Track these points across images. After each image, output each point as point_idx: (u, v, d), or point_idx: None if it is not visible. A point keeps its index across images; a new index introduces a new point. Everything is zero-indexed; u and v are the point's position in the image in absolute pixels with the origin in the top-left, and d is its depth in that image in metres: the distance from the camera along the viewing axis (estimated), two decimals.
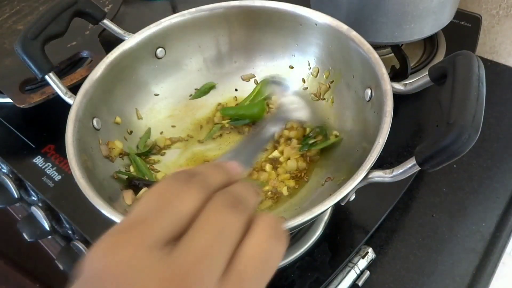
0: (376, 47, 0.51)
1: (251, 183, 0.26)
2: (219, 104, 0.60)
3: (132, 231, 0.20)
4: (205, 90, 0.60)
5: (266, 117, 0.56)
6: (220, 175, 0.25)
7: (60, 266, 0.57)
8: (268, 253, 0.22)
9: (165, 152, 0.55)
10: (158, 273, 0.19)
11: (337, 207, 0.50)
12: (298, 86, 0.59)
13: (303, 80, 0.59)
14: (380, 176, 0.39)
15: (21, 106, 0.60)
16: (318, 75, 0.58)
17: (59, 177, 0.59)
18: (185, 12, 0.56)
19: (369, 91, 0.48)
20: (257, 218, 0.23)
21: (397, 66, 0.64)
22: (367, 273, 0.49)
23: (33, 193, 0.62)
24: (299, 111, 0.53)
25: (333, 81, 0.56)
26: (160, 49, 0.57)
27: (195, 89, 0.60)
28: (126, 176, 0.50)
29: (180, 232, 0.21)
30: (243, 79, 0.61)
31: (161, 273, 0.19)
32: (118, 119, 0.53)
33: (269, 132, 0.45)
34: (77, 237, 0.58)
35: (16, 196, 0.65)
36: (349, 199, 0.41)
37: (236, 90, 0.61)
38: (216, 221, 0.21)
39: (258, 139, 0.43)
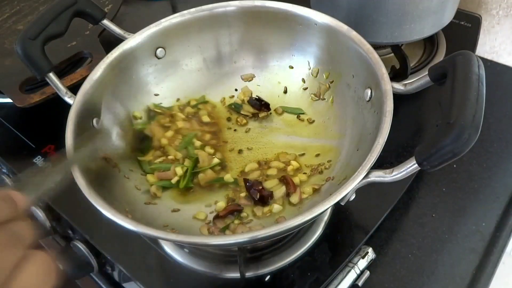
0: (376, 47, 0.51)
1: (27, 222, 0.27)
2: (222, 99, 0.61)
3: None
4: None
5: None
6: (5, 209, 0.25)
7: (60, 266, 0.57)
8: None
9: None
10: None
11: (337, 207, 0.50)
12: (298, 86, 0.59)
13: (303, 80, 0.59)
14: (380, 176, 0.39)
15: (21, 106, 0.60)
16: (318, 75, 0.58)
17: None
18: (185, 12, 0.56)
19: (369, 91, 0.48)
20: (31, 255, 0.24)
21: (397, 66, 0.63)
22: (367, 273, 0.49)
23: None
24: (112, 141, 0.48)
25: (333, 81, 0.56)
26: (160, 49, 0.57)
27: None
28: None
29: None
30: (243, 79, 0.61)
31: None
32: (118, 119, 0.53)
33: (70, 162, 0.41)
34: (77, 237, 0.58)
35: None
36: (349, 199, 0.41)
37: (236, 90, 0.61)
38: None
39: (56, 168, 0.38)
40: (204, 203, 0.50)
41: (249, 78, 0.61)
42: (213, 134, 0.57)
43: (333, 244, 0.51)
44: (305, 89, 0.59)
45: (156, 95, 0.58)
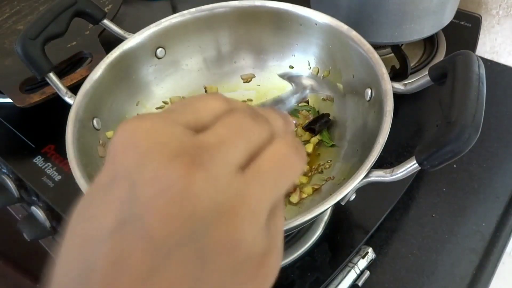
0: (376, 47, 0.51)
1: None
2: None
3: (156, 115, 0.20)
4: None
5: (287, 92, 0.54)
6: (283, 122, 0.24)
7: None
8: (287, 158, 0.21)
9: None
10: (180, 142, 0.19)
11: (337, 207, 0.50)
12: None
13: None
14: (380, 176, 0.39)
15: (21, 106, 0.60)
16: (318, 75, 0.58)
17: (59, 177, 0.59)
18: (185, 12, 0.56)
19: (369, 91, 0.48)
20: (279, 134, 0.22)
21: (397, 66, 0.64)
22: (367, 273, 0.49)
23: (33, 193, 0.62)
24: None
25: (333, 81, 0.56)
26: (160, 49, 0.57)
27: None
28: None
29: (205, 126, 0.20)
30: (243, 79, 0.61)
31: (183, 143, 0.19)
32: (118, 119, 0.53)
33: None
34: None
35: (16, 196, 0.64)
36: (349, 199, 0.41)
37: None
38: (239, 122, 0.21)
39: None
40: None
41: (249, 78, 0.61)
42: None
43: (333, 244, 0.51)
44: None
45: (156, 95, 0.58)
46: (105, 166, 0.20)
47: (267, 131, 0.22)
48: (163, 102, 0.58)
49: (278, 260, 0.21)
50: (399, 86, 0.46)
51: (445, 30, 0.65)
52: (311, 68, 0.58)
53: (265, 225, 0.20)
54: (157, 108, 0.58)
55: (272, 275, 0.21)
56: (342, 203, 0.41)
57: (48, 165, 0.60)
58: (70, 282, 0.18)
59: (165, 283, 0.17)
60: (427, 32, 0.62)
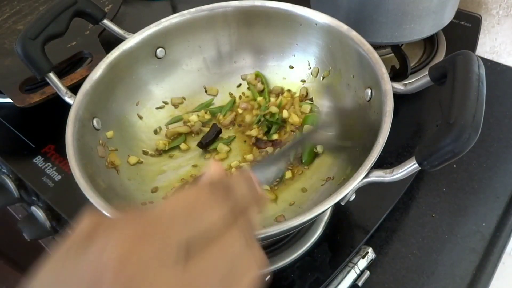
0: (376, 47, 0.51)
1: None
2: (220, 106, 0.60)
3: (158, 226, 0.21)
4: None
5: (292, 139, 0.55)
6: (249, 192, 0.26)
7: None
8: (239, 259, 0.23)
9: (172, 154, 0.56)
10: (169, 281, 0.20)
11: (337, 207, 0.50)
12: (298, 86, 0.59)
13: (303, 80, 0.59)
14: (380, 176, 0.39)
15: (21, 106, 0.60)
16: (318, 75, 0.58)
17: (59, 177, 0.59)
18: (185, 12, 0.56)
19: (369, 91, 0.48)
20: (241, 211, 0.24)
21: (397, 66, 0.63)
22: (367, 273, 0.49)
23: (33, 193, 0.62)
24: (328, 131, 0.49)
25: (333, 81, 0.56)
26: (160, 49, 0.57)
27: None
28: None
29: (198, 242, 0.22)
30: (243, 79, 0.61)
31: (171, 282, 0.20)
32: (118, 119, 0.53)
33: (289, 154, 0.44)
34: None
35: (16, 196, 0.64)
36: (349, 199, 0.41)
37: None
38: (229, 250, 0.23)
39: (280, 159, 0.41)
40: None
41: None
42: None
43: (333, 244, 0.51)
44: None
45: (156, 95, 0.58)
46: (81, 235, 0.21)
47: (224, 210, 0.24)
48: (163, 102, 0.58)
49: None
50: (399, 86, 0.46)
51: (445, 30, 0.65)
52: (311, 68, 0.58)
53: None
54: (157, 108, 0.58)
55: None
56: (342, 203, 0.41)
57: (48, 165, 0.60)
58: None
59: None
60: (427, 32, 0.62)
